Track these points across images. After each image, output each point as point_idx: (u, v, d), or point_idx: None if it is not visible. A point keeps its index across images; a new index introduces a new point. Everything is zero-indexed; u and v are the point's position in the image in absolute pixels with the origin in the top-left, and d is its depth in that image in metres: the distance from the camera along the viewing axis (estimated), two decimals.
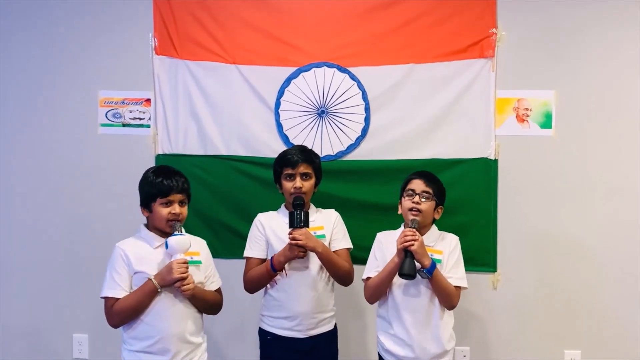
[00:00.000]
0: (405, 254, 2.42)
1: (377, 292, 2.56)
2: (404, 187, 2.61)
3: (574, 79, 3.15)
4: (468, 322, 3.20)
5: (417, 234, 2.45)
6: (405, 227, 2.59)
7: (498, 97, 3.16)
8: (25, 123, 3.37)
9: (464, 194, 3.14)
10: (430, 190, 2.55)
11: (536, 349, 3.20)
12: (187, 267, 2.35)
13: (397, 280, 2.52)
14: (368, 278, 2.59)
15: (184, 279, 2.33)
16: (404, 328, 2.52)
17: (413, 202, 2.52)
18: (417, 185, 2.56)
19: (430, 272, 2.43)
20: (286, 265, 2.64)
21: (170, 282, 2.33)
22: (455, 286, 2.53)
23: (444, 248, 2.57)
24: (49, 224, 3.37)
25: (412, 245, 2.40)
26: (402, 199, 2.59)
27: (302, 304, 2.65)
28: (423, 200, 2.53)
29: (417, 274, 2.42)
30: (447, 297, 2.51)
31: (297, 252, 2.58)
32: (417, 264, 2.42)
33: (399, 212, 2.63)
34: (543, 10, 3.15)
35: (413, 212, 2.52)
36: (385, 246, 2.61)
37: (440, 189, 2.61)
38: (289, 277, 2.65)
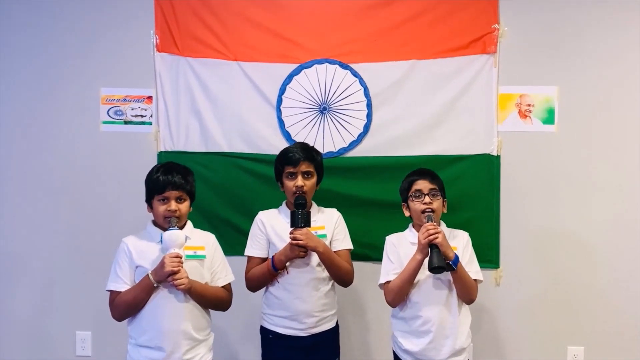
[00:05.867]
0: (431, 248, 2.41)
1: (401, 293, 2.53)
2: (408, 188, 2.59)
3: (577, 74, 3.14)
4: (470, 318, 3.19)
5: (438, 227, 2.45)
6: (415, 227, 2.60)
7: (500, 93, 3.15)
8: (27, 121, 3.37)
9: (467, 190, 3.14)
10: (437, 187, 2.56)
11: (539, 346, 3.19)
12: (181, 262, 2.34)
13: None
14: (387, 282, 2.57)
15: (174, 272, 2.32)
16: (424, 326, 2.51)
17: (424, 204, 2.52)
18: (423, 185, 2.55)
19: (455, 263, 2.43)
20: (287, 264, 2.64)
21: (163, 276, 2.33)
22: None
23: (457, 244, 2.56)
24: (50, 221, 3.37)
25: (437, 238, 2.40)
26: (409, 201, 2.58)
27: (304, 303, 2.65)
28: (432, 198, 2.52)
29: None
30: (468, 290, 2.51)
31: (298, 252, 2.58)
32: None
33: (407, 214, 2.62)
34: (545, 5, 3.14)
35: (426, 214, 2.51)
36: (399, 248, 2.60)
37: (442, 183, 2.61)
38: (290, 277, 2.65)
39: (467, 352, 2.57)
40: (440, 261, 2.38)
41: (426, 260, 2.44)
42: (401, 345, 2.57)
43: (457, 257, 2.45)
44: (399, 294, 2.53)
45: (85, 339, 3.37)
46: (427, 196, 2.53)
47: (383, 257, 2.64)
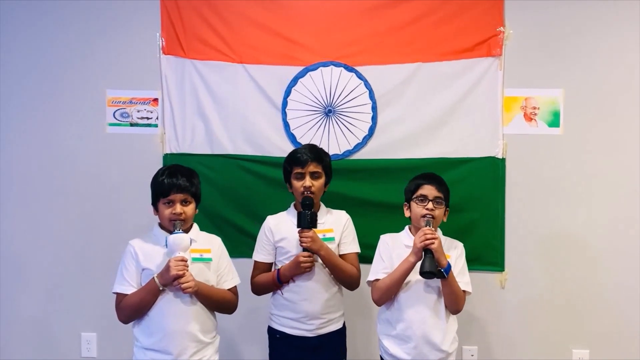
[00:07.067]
0: (425, 252, 2.41)
1: (389, 293, 2.54)
2: (413, 191, 2.59)
3: (582, 77, 3.14)
4: (476, 321, 3.19)
5: (435, 232, 2.45)
6: (411, 230, 2.61)
7: (506, 96, 3.16)
8: (33, 122, 3.38)
9: (472, 193, 3.14)
10: (442, 196, 2.55)
11: (544, 348, 3.19)
12: (186, 265, 2.34)
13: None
14: (376, 280, 2.58)
15: (180, 276, 2.32)
16: (409, 330, 2.51)
17: (427, 209, 2.51)
18: (429, 191, 2.54)
19: (447, 271, 2.43)
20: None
21: (169, 280, 2.33)
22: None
23: (451, 254, 2.56)
24: (56, 223, 3.38)
25: (433, 243, 2.40)
26: (412, 203, 2.58)
27: (312, 305, 2.65)
28: (436, 206, 2.52)
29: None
30: (456, 300, 2.51)
31: (303, 270, 2.60)
32: None
33: (407, 215, 2.62)
34: (550, 8, 3.15)
35: (426, 219, 2.51)
36: (392, 248, 2.60)
37: (448, 192, 2.61)
38: (299, 279, 2.66)
39: (452, 357, 2.57)
40: (432, 267, 2.39)
41: (418, 263, 2.44)
42: (387, 349, 2.58)
43: (449, 266, 2.45)
44: (386, 293, 2.54)
45: (91, 341, 3.38)
46: (431, 202, 2.52)
47: (375, 254, 2.65)
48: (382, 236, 2.69)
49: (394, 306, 2.56)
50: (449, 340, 2.54)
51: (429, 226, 2.47)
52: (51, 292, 3.39)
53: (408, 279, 2.51)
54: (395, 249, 2.59)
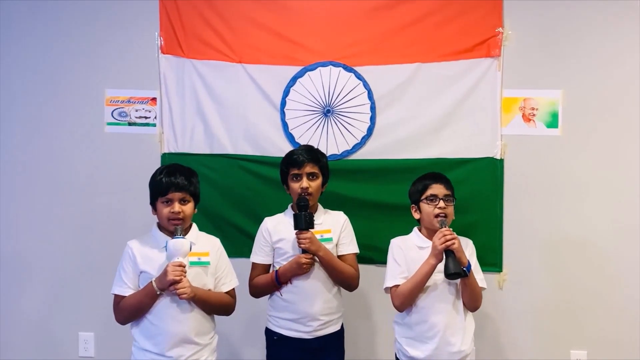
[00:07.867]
0: (446, 254, 2.41)
1: (411, 297, 2.51)
2: (421, 191, 2.58)
3: (581, 78, 3.14)
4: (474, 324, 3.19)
5: (454, 232, 2.44)
6: (422, 231, 2.61)
7: (504, 97, 3.15)
8: (31, 122, 3.38)
9: (470, 194, 3.13)
10: (451, 193, 2.55)
11: (542, 349, 3.19)
12: (184, 271, 2.33)
13: None
14: (396, 286, 2.55)
15: (177, 282, 2.31)
16: (430, 331, 2.50)
17: (439, 208, 2.51)
18: (439, 189, 2.54)
19: (468, 270, 2.43)
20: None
21: (165, 284, 2.32)
22: None
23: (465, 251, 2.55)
24: (54, 222, 3.37)
25: (454, 244, 2.39)
26: (422, 204, 2.56)
27: (310, 306, 2.64)
28: (447, 204, 2.52)
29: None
30: (476, 297, 2.52)
31: (303, 270, 2.60)
32: None
33: (416, 217, 2.61)
34: (550, 9, 3.14)
35: (440, 218, 2.51)
36: (406, 252, 2.59)
37: (453, 191, 2.60)
38: (297, 279, 2.65)
39: (470, 358, 2.57)
40: (457, 267, 2.38)
41: (439, 265, 2.43)
42: (406, 352, 2.55)
43: (469, 264, 2.45)
44: (408, 298, 2.51)
45: (88, 340, 3.37)
46: (442, 201, 2.52)
47: (388, 260, 2.63)
48: (392, 240, 2.66)
49: (412, 310, 2.54)
50: (468, 340, 2.54)
51: (445, 226, 2.46)
52: (49, 292, 3.39)
53: None
54: (408, 251, 2.58)
